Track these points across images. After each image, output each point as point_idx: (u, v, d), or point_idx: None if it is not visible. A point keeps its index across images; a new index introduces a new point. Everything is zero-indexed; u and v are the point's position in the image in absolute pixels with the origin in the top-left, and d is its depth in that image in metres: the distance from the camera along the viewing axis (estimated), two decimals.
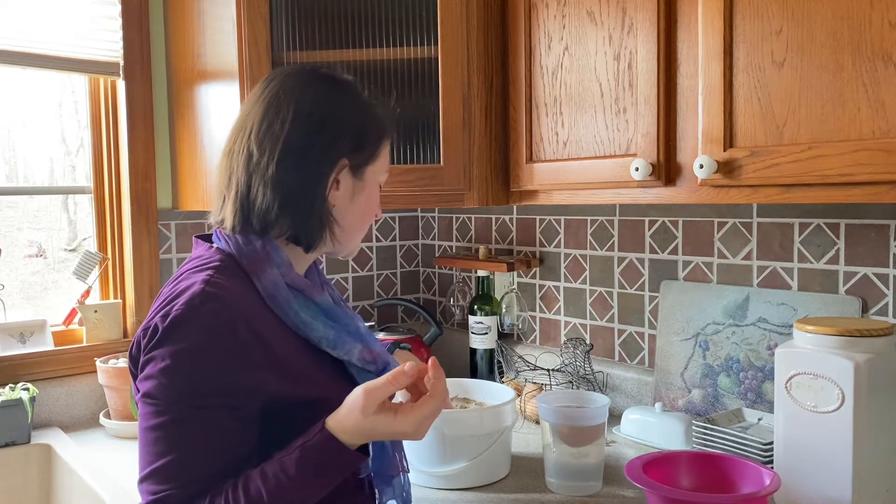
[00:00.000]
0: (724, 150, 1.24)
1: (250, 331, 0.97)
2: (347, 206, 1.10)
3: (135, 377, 0.99)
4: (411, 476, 1.26)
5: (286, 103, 1.05)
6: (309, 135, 1.04)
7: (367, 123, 1.10)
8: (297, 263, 1.10)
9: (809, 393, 1.19)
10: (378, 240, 2.38)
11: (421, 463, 1.40)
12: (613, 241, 1.87)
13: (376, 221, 1.17)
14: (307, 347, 1.05)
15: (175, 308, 0.95)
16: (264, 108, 1.06)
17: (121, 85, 1.94)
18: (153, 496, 0.94)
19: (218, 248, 1.06)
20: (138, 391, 0.97)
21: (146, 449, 0.95)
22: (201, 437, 0.94)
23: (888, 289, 1.42)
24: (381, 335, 2.10)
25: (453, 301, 2.26)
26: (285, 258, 1.06)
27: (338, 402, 1.01)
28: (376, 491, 1.12)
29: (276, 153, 1.03)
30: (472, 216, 2.25)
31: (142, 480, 0.95)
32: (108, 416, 1.85)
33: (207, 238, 1.12)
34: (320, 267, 1.25)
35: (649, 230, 1.80)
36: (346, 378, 1.08)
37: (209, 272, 1.00)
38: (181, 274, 1.03)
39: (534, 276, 2.07)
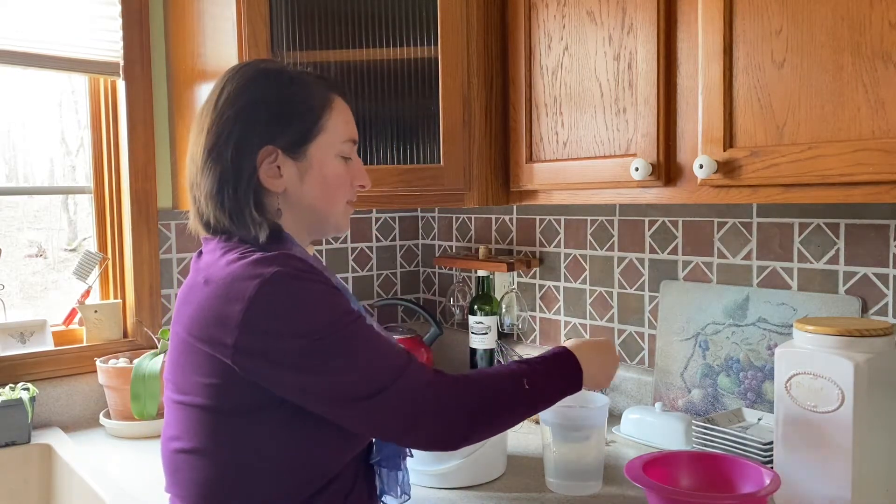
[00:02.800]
0: (724, 150, 1.24)
1: (326, 277, 1.02)
2: (300, 189, 1.08)
3: (263, 352, 0.95)
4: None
5: (206, 112, 1.07)
6: (222, 135, 1.05)
7: (289, 102, 1.07)
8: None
9: (809, 393, 1.19)
10: (378, 240, 2.38)
11: (415, 461, 1.40)
12: (613, 241, 1.87)
13: (362, 189, 1.16)
14: None
15: (268, 272, 0.94)
16: (195, 123, 1.09)
17: (121, 85, 1.94)
18: (426, 375, 1.00)
19: (240, 237, 1.05)
20: (276, 355, 0.95)
21: (363, 361, 0.97)
22: (376, 335, 1.01)
23: (888, 289, 1.42)
24: None
25: (453, 301, 2.26)
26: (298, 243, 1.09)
27: None
28: (378, 481, 1.15)
29: (200, 162, 1.06)
30: (472, 216, 2.25)
31: (391, 381, 0.97)
32: (108, 416, 1.85)
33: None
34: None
35: (649, 230, 1.80)
36: None
37: (251, 250, 1.00)
38: (226, 260, 1.00)
39: (534, 276, 2.07)
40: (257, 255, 0.98)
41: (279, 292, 0.94)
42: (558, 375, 1.13)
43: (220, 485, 1.00)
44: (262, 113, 1.06)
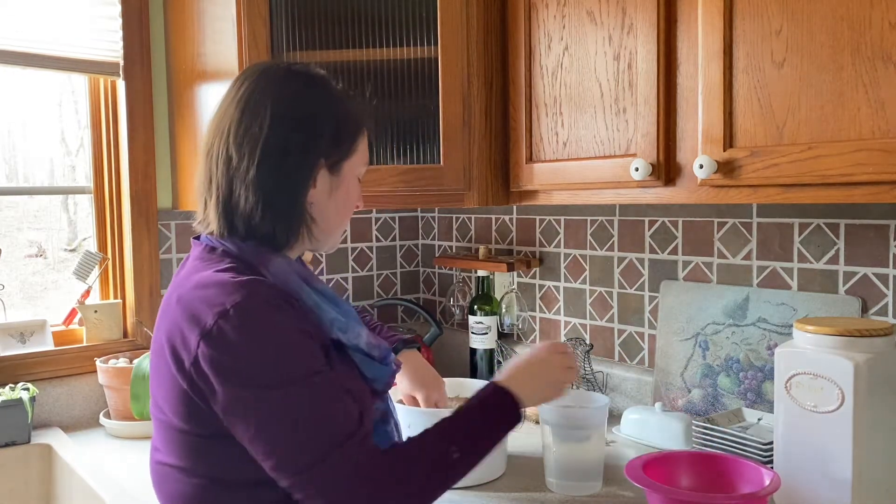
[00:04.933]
0: (724, 150, 1.24)
1: (298, 304, 1.00)
2: (326, 203, 1.09)
3: (211, 385, 0.94)
4: None
5: (263, 104, 1.04)
6: (287, 136, 1.04)
7: (342, 119, 1.09)
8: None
9: (809, 393, 1.19)
10: (378, 240, 2.38)
11: None
12: (613, 241, 1.87)
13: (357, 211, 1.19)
14: (326, 339, 1.05)
15: (230, 302, 0.93)
16: (241, 110, 1.05)
17: (121, 85, 1.94)
18: (359, 445, 0.94)
19: (224, 249, 1.05)
20: (220, 393, 0.93)
21: (296, 434, 0.92)
22: (337, 392, 0.97)
23: (888, 289, 1.42)
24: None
25: (453, 301, 2.26)
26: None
27: (357, 394, 1.03)
28: None
29: (256, 156, 1.02)
30: (472, 216, 2.25)
31: (325, 456, 0.92)
32: (108, 416, 1.85)
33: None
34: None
35: (649, 230, 1.80)
36: (355, 368, 1.08)
37: (230, 272, 0.99)
38: (198, 278, 1.00)
39: (534, 276, 2.07)
40: (228, 276, 0.97)
41: (234, 328, 0.92)
42: (493, 422, 1.09)
43: (199, 499, 1.01)
44: (324, 123, 1.06)
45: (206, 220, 1.08)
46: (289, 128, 1.04)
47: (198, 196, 1.10)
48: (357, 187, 1.14)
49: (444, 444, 1.02)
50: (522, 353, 1.19)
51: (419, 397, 1.41)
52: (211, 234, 1.08)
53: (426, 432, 1.04)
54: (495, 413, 1.09)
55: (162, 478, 1.05)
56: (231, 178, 1.04)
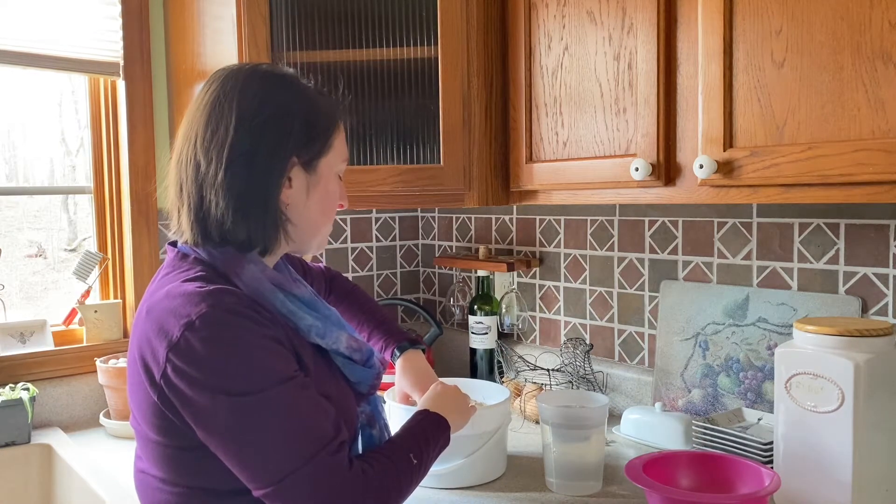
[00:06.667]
0: (724, 150, 1.24)
1: (267, 312, 0.99)
2: (304, 203, 1.06)
3: (181, 397, 0.93)
4: None
5: (228, 107, 1.02)
6: (254, 138, 1.01)
7: (313, 116, 1.06)
8: (267, 262, 1.08)
9: (809, 393, 1.19)
10: (378, 240, 2.38)
11: None
12: (613, 241, 1.87)
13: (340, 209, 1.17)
14: (302, 345, 1.05)
15: (195, 313, 0.92)
16: (207, 115, 1.03)
17: (121, 85, 1.94)
18: (327, 462, 0.93)
19: (195, 257, 1.04)
20: (191, 404, 0.93)
21: (267, 443, 0.92)
22: (309, 399, 0.96)
23: (888, 289, 1.42)
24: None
25: (453, 301, 2.26)
26: (257, 256, 1.05)
27: (338, 399, 1.02)
28: None
29: (224, 160, 1.00)
30: (472, 216, 2.25)
31: (294, 471, 0.92)
32: (108, 416, 1.85)
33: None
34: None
35: (649, 230, 1.80)
36: (338, 372, 1.08)
37: (198, 282, 0.98)
38: (167, 289, 0.99)
39: (534, 276, 2.07)
40: (194, 286, 0.96)
41: (200, 340, 0.91)
42: (435, 440, 1.13)
43: None
44: (293, 121, 1.04)
45: (180, 229, 1.06)
46: (255, 128, 1.01)
47: (170, 205, 1.08)
48: (337, 185, 1.11)
49: (405, 452, 1.06)
50: (436, 389, 1.29)
51: (415, 397, 1.41)
52: (186, 242, 1.06)
53: (388, 442, 1.09)
54: (437, 435, 1.15)
55: (144, 485, 1.04)
56: (201, 185, 1.02)
